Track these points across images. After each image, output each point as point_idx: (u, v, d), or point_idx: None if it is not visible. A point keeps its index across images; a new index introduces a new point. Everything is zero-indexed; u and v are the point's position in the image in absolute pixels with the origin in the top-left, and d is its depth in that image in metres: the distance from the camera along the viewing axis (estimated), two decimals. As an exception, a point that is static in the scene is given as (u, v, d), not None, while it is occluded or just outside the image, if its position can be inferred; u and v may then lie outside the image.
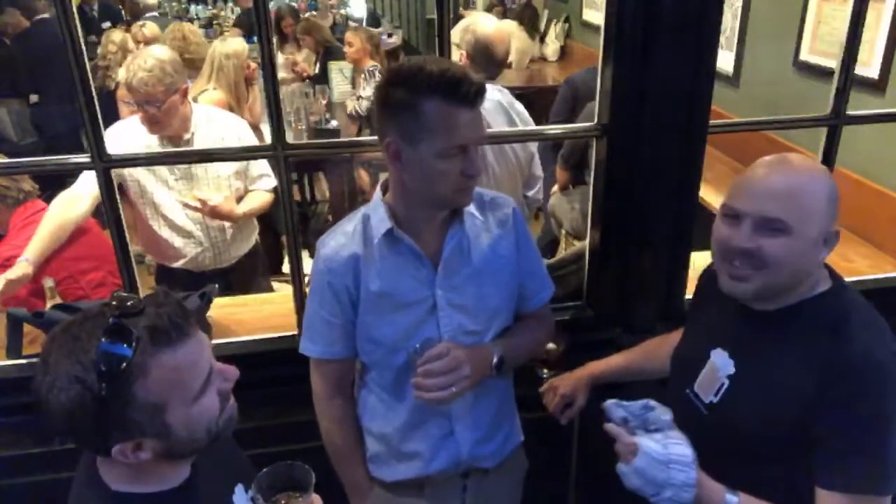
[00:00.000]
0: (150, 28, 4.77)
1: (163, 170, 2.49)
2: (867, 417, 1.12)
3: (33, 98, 5.31)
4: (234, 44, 3.69)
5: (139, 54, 2.44)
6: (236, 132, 2.59)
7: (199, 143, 2.51)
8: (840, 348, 1.15)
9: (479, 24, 2.45)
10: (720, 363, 1.30)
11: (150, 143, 2.46)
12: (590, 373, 1.65)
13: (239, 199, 2.60)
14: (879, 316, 1.22)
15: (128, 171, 2.44)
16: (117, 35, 4.59)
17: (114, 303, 0.96)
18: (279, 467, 1.13)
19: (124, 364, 0.92)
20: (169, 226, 2.57)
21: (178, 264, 2.64)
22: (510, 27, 6.22)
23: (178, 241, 2.59)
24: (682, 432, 1.19)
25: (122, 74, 2.43)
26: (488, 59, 2.43)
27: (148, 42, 4.40)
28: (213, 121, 2.59)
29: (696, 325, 1.45)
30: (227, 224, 2.62)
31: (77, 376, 0.91)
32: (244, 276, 2.81)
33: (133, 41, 4.61)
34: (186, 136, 2.50)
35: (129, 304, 0.96)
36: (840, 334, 1.17)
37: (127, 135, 2.45)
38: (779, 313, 1.24)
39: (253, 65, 3.71)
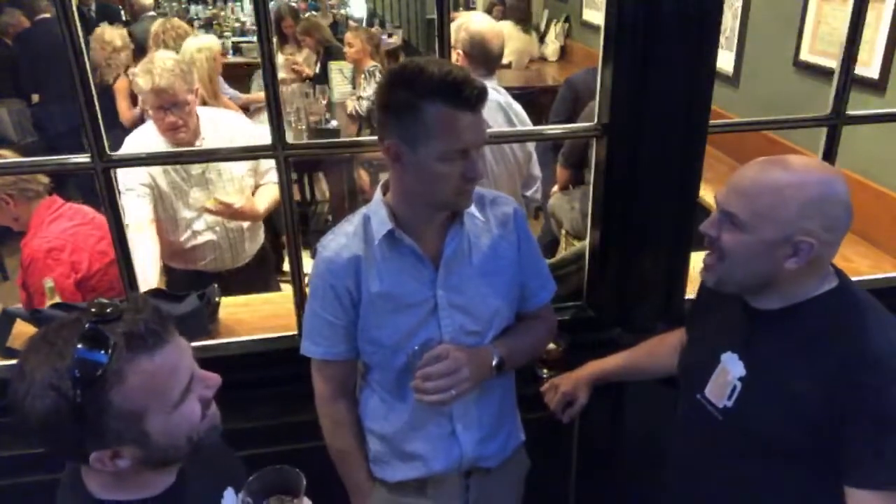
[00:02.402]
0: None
1: (179, 180, 2.49)
2: (891, 415, 1.12)
3: (34, 98, 5.31)
4: (204, 39, 3.73)
5: (153, 59, 2.42)
6: (244, 131, 2.57)
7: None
8: (854, 348, 1.15)
9: (471, 21, 2.47)
10: (731, 366, 1.29)
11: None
12: (590, 372, 1.65)
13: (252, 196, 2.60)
14: (888, 312, 1.21)
15: (147, 179, 2.42)
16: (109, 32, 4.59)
17: (93, 309, 0.95)
18: (269, 471, 1.12)
19: (100, 371, 0.90)
20: (187, 232, 2.57)
21: (198, 266, 2.65)
22: (507, 28, 6.23)
23: (196, 249, 2.60)
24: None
25: (141, 83, 2.36)
26: (485, 55, 2.45)
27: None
28: (219, 123, 2.58)
29: (702, 330, 1.44)
30: (244, 224, 2.62)
31: (52, 383, 0.90)
32: (259, 274, 2.82)
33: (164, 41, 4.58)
34: (198, 143, 2.49)
35: (107, 310, 0.95)
36: (851, 334, 1.16)
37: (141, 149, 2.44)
38: (782, 312, 1.23)
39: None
